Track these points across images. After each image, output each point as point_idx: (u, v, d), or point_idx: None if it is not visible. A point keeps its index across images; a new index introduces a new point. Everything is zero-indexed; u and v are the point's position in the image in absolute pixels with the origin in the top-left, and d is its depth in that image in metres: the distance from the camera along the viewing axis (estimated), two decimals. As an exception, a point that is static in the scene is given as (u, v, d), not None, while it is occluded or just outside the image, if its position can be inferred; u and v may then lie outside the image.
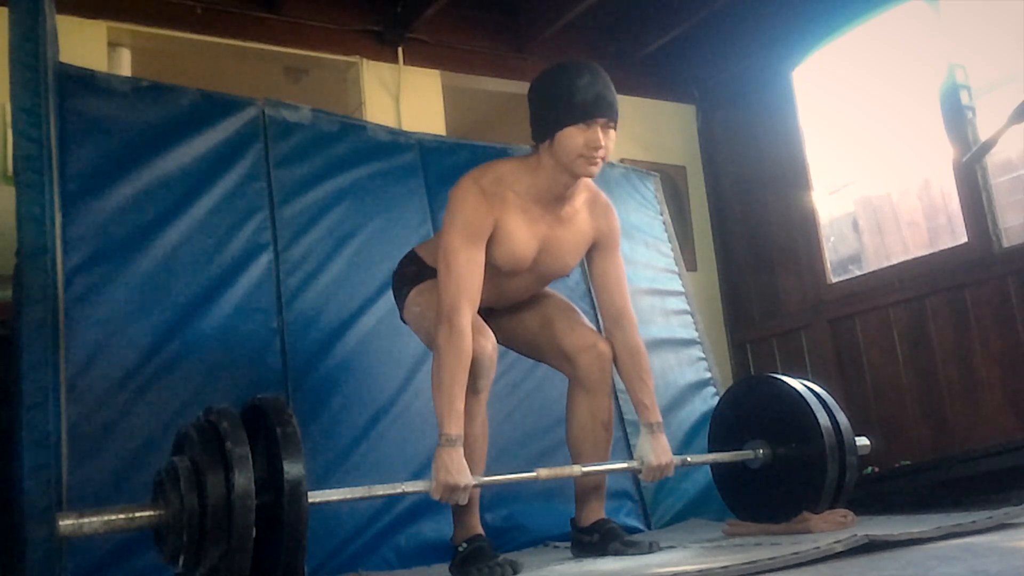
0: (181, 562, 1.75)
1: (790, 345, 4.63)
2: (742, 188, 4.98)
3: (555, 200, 2.36)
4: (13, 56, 2.47)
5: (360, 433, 2.94)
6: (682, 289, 4.08)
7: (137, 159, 2.88)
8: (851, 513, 2.67)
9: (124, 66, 3.91)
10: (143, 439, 2.58)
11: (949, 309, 3.96)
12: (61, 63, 2.88)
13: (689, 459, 2.64)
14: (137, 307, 2.72)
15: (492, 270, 2.34)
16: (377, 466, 2.91)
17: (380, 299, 3.14)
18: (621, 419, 3.54)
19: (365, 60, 4.27)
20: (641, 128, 4.91)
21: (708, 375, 3.94)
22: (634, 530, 3.18)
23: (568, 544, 2.62)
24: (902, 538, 1.96)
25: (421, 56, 4.40)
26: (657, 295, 3.93)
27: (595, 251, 2.50)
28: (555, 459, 2.93)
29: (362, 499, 2.19)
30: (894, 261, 4.33)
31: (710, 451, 2.85)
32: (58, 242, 2.52)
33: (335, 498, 2.08)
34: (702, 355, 3.97)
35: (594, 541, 2.45)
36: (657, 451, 2.40)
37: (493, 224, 2.29)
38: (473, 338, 2.25)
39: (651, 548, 2.37)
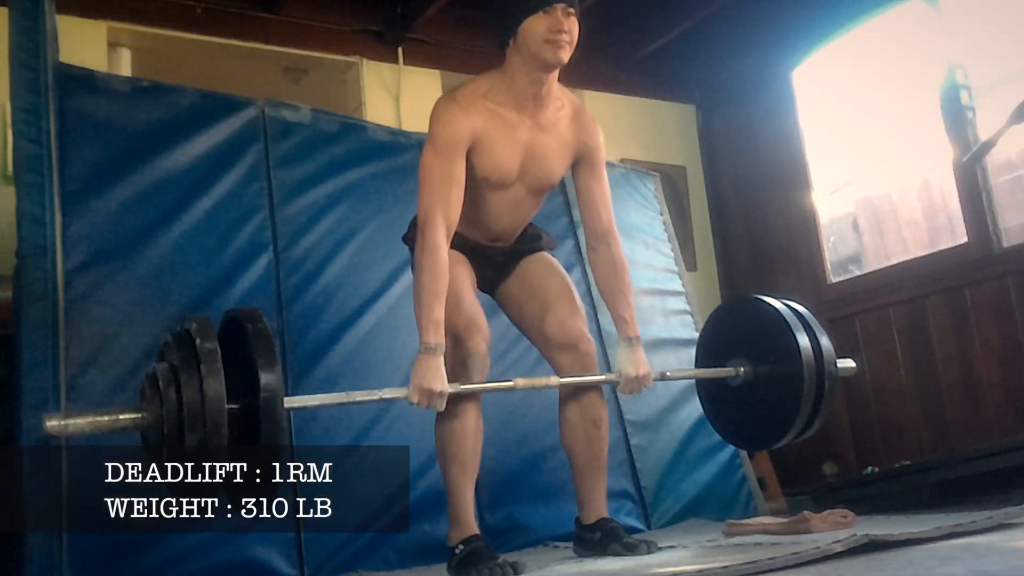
0: (164, 456, 1.83)
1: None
2: (742, 188, 4.98)
3: (533, 102, 2.37)
4: (13, 56, 2.47)
5: (360, 433, 2.94)
6: (682, 289, 4.08)
7: (137, 159, 2.88)
8: (851, 513, 2.67)
9: (124, 66, 3.91)
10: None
11: (949, 309, 3.96)
12: (61, 63, 2.88)
13: (668, 373, 2.67)
14: (137, 307, 2.72)
15: (479, 186, 2.36)
16: (377, 466, 2.91)
17: (380, 299, 3.14)
18: (621, 418, 3.54)
19: (365, 60, 4.27)
20: (641, 128, 4.92)
21: (708, 375, 3.94)
22: (634, 530, 3.18)
23: (568, 544, 2.62)
24: (902, 538, 1.96)
25: (421, 56, 4.40)
26: (657, 295, 3.93)
27: (581, 166, 2.50)
28: (555, 459, 2.93)
29: (340, 405, 2.28)
30: (894, 261, 4.33)
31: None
32: (58, 242, 2.52)
33: (314, 403, 2.19)
34: (702, 355, 3.96)
35: (596, 539, 2.45)
36: (635, 363, 2.42)
37: (471, 136, 2.31)
38: (469, 336, 2.28)
39: (650, 549, 2.37)
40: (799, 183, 4.64)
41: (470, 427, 2.32)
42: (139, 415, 1.85)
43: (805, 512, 2.69)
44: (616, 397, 3.57)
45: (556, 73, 2.38)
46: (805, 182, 4.63)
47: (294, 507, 2.72)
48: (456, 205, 2.29)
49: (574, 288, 2.60)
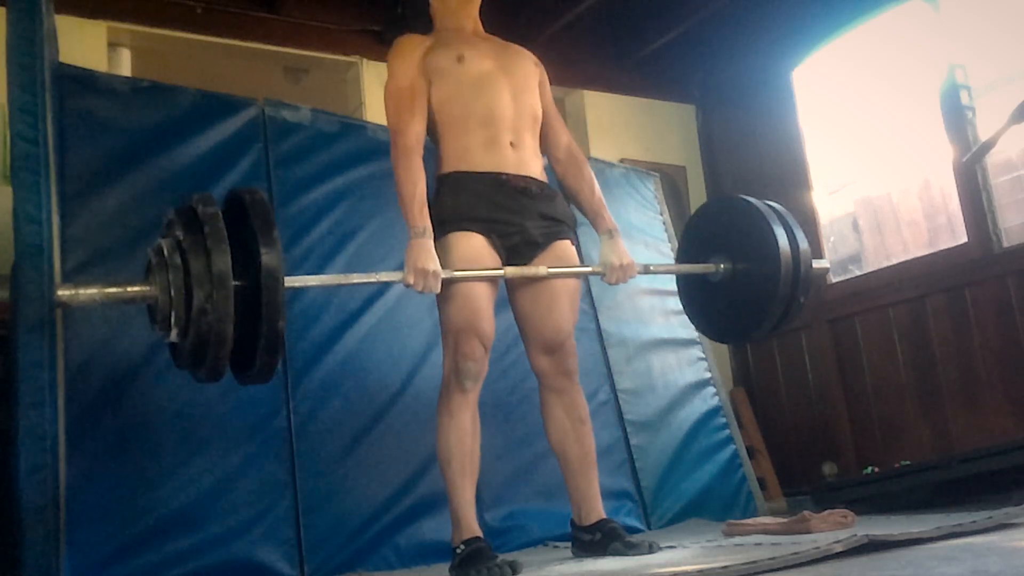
0: (172, 320, 1.91)
1: (790, 345, 4.62)
2: (742, 188, 4.95)
3: (472, 33, 2.59)
4: (10, 56, 2.46)
5: (360, 433, 2.94)
6: (682, 289, 4.07)
7: (137, 159, 2.88)
8: (851, 513, 2.67)
9: (124, 66, 3.91)
10: (143, 438, 2.58)
11: (949, 309, 3.95)
12: (61, 63, 2.88)
13: (651, 267, 2.74)
14: (137, 307, 2.71)
15: (460, 69, 2.48)
16: (377, 465, 2.91)
17: (380, 299, 3.14)
18: (621, 418, 3.54)
19: (365, 60, 4.27)
20: (641, 128, 4.91)
21: (708, 375, 3.94)
22: (634, 530, 3.18)
23: (568, 544, 2.62)
24: (902, 538, 1.96)
25: (421, 56, 4.39)
26: (657, 295, 3.93)
27: (540, 88, 2.64)
28: (555, 459, 2.93)
29: (338, 285, 2.53)
30: (894, 261, 4.33)
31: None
32: (56, 242, 2.51)
33: (313, 283, 2.38)
34: (702, 355, 3.97)
35: (595, 540, 2.45)
36: (618, 253, 2.52)
37: (426, 47, 2.50)
38: (465, 341, 2.31)
39: (651, 549, 2.37)
40: (799, 183, 4.64)
41: (466, 428, 2.34)
42: (147, 287, 1.93)
43: (805, 512, 2.69)
44: (616, 398, 3.57)
45: (477, 12, 2.62)
46: (805, 182, 4.63)
47: (294, 507, 2.74)
48: (422, 111, 2.46)
49: (577, 294, 2.62)
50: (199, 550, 2.54)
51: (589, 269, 2.59)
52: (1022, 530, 2.09)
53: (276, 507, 2.71)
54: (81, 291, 1.87)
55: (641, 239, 4.02)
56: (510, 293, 2.58)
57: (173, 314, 1.90)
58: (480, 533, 2.34)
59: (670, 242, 4.16)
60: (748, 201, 2.67)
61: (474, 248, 2.37)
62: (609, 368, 3.61)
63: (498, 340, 3.06)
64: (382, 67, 4.33)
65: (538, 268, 2.42)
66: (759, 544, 2.32)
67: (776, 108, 4.73)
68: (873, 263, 4.47)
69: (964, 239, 3.93)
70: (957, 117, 3.92)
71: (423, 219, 2.31)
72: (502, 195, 2.43)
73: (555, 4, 4.42)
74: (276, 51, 4.17)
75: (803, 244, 2.57)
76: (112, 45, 3.83)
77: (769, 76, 4.75)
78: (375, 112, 4.15)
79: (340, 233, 3.18)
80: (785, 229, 2.57)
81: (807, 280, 2.57)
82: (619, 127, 4.83)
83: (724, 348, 4.84)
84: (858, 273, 4.51)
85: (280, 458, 2.76)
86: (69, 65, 2.91)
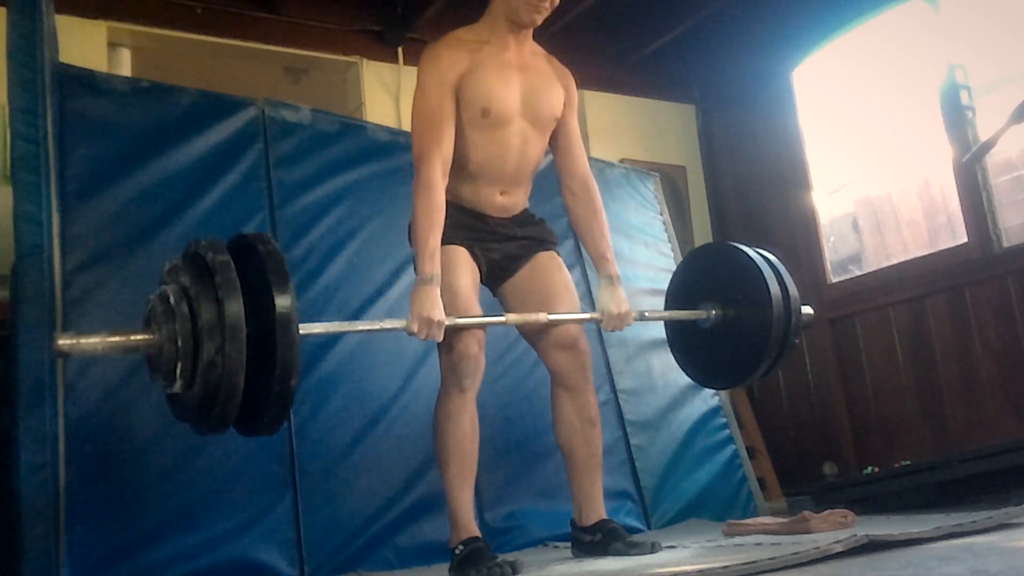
0: (179, 372, 1.82)
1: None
2: (742, 188, 4.98)
3: (515, 42, 2.47)
4: (10, 56, 2.47)
5: (360, 433, 2.93)
6: (682, 289, 4.07)
7: (137, 159, 2.87)
8: (851, 513, 2.67)
9: (124, 66, 3.91)
10: (142, 438, 2.58)
11: (949, 309, 3.96)
12: (61, 63, 2.88)
13: (647, 314, 2.73)
14: (137, 307, 2.70)
15: (480, 125, 2.40)
16: (377, 465, 2.91)
17: (380, 299, 3.13)
18: (621, 418, 3.54)
19: (365, 60, 4.27)
20: (641, 128, 4.91)
21: (708, 375, 3.94)
22: (634, 530, 3.18)
23: (568, 544, 2.62)
24: (902, 538, 1.96)
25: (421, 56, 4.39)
26: (657, 295, 3.91)
27: (564, 109, 2.57)
28: (555, 458, 2.93)
29: (345, 332, 2.45)
30: (894, 261, 4.33)
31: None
32: (56, 242, 2.52)
33: (319, 331, 2.28)
34: (702, 355, 3.96)
35: (596, 541, 2.44)
36: (616, 301, 2.49)
37: (458, 71, 2.39)
38: (460, 338, 2.29)
39: (653, 548, 2.37)
40: (799, 183, 4.64)
41: (465, 431, 2.33)
42: (151, 336, 1.84)
43: (805, 512, 2.69)
44: (616, 398, 3.57)
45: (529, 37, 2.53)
46: (805, 182, 4.63)
47: (294, 507, 2.74)
48: (449, 140, 2.36)
49: (575, 290, 2.61)
50: (199, 550, 2.54)
51: (587, 316, 2.57)
52: (1022, 530, 2.09)
53: (276, 507, 2.71)
54: (83, 340, 1.79)
55: (641, 239, 4.02)
56: (506, 302, 2.60)
57: (179, 365, 1.81)
58: (479, 533, 2.33)
59: (670, 242, 4.16)
60: (736, 247, 2.70)
61: (455, 258, 2.39)
62: (609, 368, 3.61)
63: (498, 340, 3.08)
64: (382, 67, 4.38)
65: (538, 315, 2.40)
66: (759, 544, 2.32)
67: (776, 108, 4.73)
68: (873, 263, 4.48)
69: (964, 239, 3.94)
70: (957, 117, 3.93)
71: (433, 266, 2.26)
72: (483, 224, 2.49)
73: (555, 4, 4.42)
74: (276, 51, 4.18)
75: (792, 289, 2.60)
76: (112, 45, 3.83)
77: (769, 76, 4.75)
78: (375, 112, 4.15)
79: (340, 233, 3.18)
80: (775, 274, 2.59)
81: (798, 325, 2.59)
82: (619, 127, 4.83)
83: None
84: (858, 273, 4.51)
85: (280, 458, 2.76)
86: (69, 65, 2.90)
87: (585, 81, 4.77)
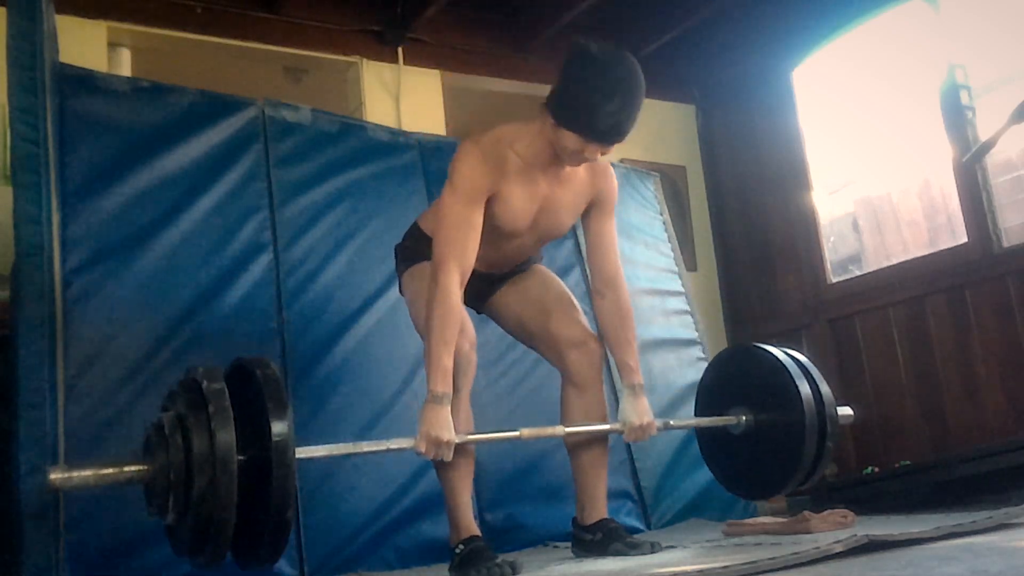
0: (171, 504, 1.77)
1: (790, 345, 4.58)
2: (742, 188, 4.98)
3: (553, 161, 2.36)
4: (10, 56, 2.47)
5: (360, 433, 2.93)
6: (682, 289, 4.07)
7: (137, 159, 2.88)
8: (851, 513, 2.67)
9: (124, 66, 3.91)
10: (143, 437, 2.58)
11: (949, 309, 3.95)
12: (61, 63, 2.88)
13: (672, 423, 2.66)
14: (137, 307, 2.72)
15: (492, 231, 2.34)
16: (377, 465, 2.91)
17: (380, 299, 3.13)
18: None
19: (365, 60, 4.27)
20: (641, 128, 4.85)
21: (708, 375, 3.94)
22: (634, 530, 3.18)
23: (568, 544, 2.62)
24: (902, 538, 1.96)
25: (421, 56, 4.40)
26: (657, 295, 3.93)
27: (592, 211, 2.50)
28: (555, 459, 2.93)
29: (348, 455, 2.24)
30: (894, 261, 4.33)
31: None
32: (56, 242, 2.52)
33: (321, 454, 2.10)
34: (702, 355, 3.96)
35: (596, 540, 2.44)
36: (639, 411, 2.43)
37: (491, 187, 2.30)
38: None
39: (653, 549, 2.37)
40: (799, 183, 4.64)
41: (460, 427, 2.31)
42: (145, 467, 1.80)
43: (805, 512, 2.69)
44: (616, 398, 3.57)
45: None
46: (805, 182, 4.63)
47: (295, 507, 2.74)
48: (472, 252, 2.27)
49: (571, 292, 2.62)
50: (199, 550, 2.54)
51: (608, 427, 2.48)
52: (1022, 530, 2.09)
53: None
54: (74, 474, 1.74)
55: (641, 239, 4.02)
56: (498, 318, 2.61)
57: (172, 497, 1.77)
58: (479, 533, 2.34)
59: (670, 242, 4.16)
60: (764, 349, 2.64)
61: None
62: (609, 368, 3.60)
63: (498, 341, 3.08)
64: (382, 67, 4.38)
65: (555, 428, 2.35)
66: (759, 544, 2.32)
67: (776, 108, 4.73)
68: (873, 263, 4.48)
69: (964, 239, 3.93)
70: (957, 117, 3.93)
71: (445, 385, 2.17)
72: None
73: (555, 4, 4.42)
74: (276, 51, 4.17)
75: (825, 390, 2.53)
76: (112, 45, 3.83)
77: (769, 76, 4.75)
78: (375, 112, 4.15)
79: (340, 233, 3.18)
80: (806, 376, 2.54)
81: (834, 426, 2.52)
82: (619, 127, 4.82)
83: (724, 348, 4.83)
84: (858, 273, 4.51)
85: (280, 458, 2.76)
86: (69, 65, 2.90)
87: (585, 81, 4.77)
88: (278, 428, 1.77)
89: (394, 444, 2.20)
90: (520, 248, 2.50)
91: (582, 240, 3.14)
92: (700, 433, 2.83)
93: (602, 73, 2.21)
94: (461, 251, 2.25)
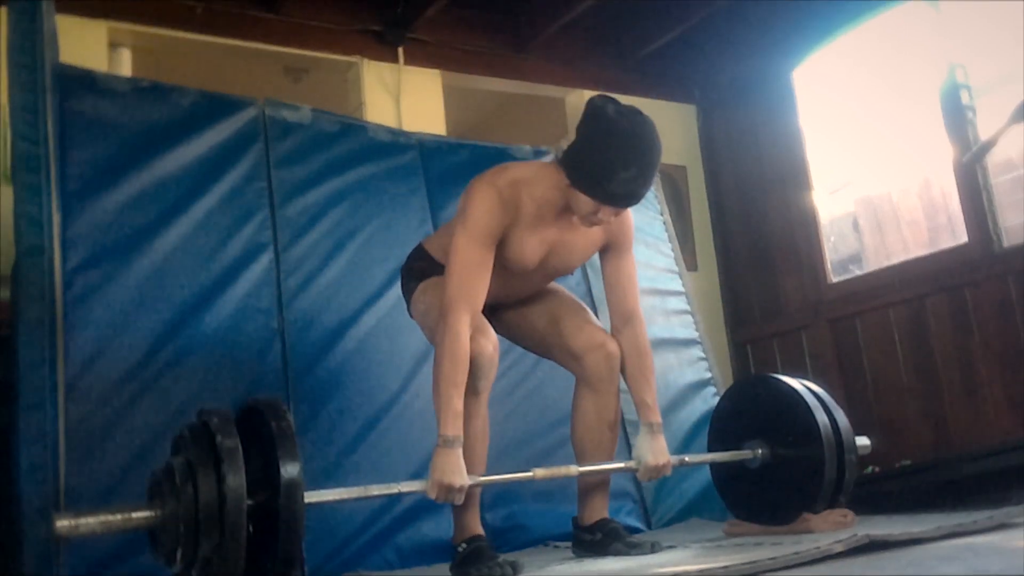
0: (178, 557, 1.76)
1: (790, 345, 4.62)
2: (742, 188, 4.98)
3: (566, 208, 2.34)
4: (10, 56, 2.47)
5: (360, 433, 2.93)
6: (682, 289, 4.07)
7: (137, 159, 2.88)
8: (851, 513, 2.67)
9: (124, 66, 3.91)
10: (143, 439, 2.58)
11: (949, 309, 3.95)
12: (61, 63, 2.88)
13: (687, 459, 2.63)
14: (137, 307, 2.72)
15: (500, 269, 2.33)
16: (377, 466, 2.91)
17: (380, 299, 3.13)
18: (621, 418, 3.53)
19: (365, 60, 4.27)
20: (641, 128, 4.90)
21: (708, 375, 3.94)
22: (634, 530, 3.18)
23: (568, 544, 2.62)
24: (902, 538, 1.96)
25: (421, 56, 4.39)
26: (657, 295, 3.93)
27: (608, 251, 2.50)
28: (556, 459, 2.93)
29: (358, 499, 2.18)
30: (894, 261, 4.33)
31: (710, 451, 2.84)
32: (56, 242, 2.52)
33: (331, 498, 2.08)
34: (702, 355, 3.96)
35: (596, 540, 2.45)
36: (655, 451, 2.40)
37: (504, 229, 2.29)
38: (473, 338, 2.23)
39: (653, 549, 2.37)
40: (799, 183, 4.64)
41: (477, 431, 2.30)
42: (152, 513, 1.78)
43: (805, 512, 2.68)
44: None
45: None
46: (805, 182, 4.63)
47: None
48: (482, 293, 2.27)
49: (578, 299, 2.62)
50: (199, 550, 2.54)
51: (622, 465, 2.47)
52: (1022, 530, 2.09)
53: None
54: (81, 521, 1.72)
55: (641, 239, 4.01)
56: (508, 333, 2.60)
57: (180, 551, 1.75)
58: (482, 532, 2.34)
59: (670, 242, 4.16)
60: (780, 380, 2.62)
61: None
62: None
63: (498, 340, 3.07)
64: (382, 67, 4.37)
65: (569, 468, 2.34)
66: (759, 544, 2.32)
67: (776, 108, 4.73)
68: (873, 263, 4.48)
69: (964, 239, 3.93)
70: (957, 117, 3.92)
71: (455, 429, 2.14)
72: None
73: (555, 4, 4.42)
74: (276, 51, 4.17)
75: (842, 421, 2.52)
76: (112, 45, 3.83)
77: (769, 76, 4.75)
78: (375, 112, 4.15)
79: (340, 233, 3.18)
80: (823, 407, 2.52)
81: (852, 456, 2.51)
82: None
83: (724, 348, 4.84)
84: (858, 273, 4.51)
85: (280, 458, 2.76)
86: (69, 65, 2.90)
87: (585, 81, 4.78)
88: (289, 471, 1.78)
89: (405, 487, 2.20)
90: (527, 284, 2.50)
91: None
92: (715, 468, 2.82)
93: (619, 139, 2.21)
94: (472, 293, 2.24)
